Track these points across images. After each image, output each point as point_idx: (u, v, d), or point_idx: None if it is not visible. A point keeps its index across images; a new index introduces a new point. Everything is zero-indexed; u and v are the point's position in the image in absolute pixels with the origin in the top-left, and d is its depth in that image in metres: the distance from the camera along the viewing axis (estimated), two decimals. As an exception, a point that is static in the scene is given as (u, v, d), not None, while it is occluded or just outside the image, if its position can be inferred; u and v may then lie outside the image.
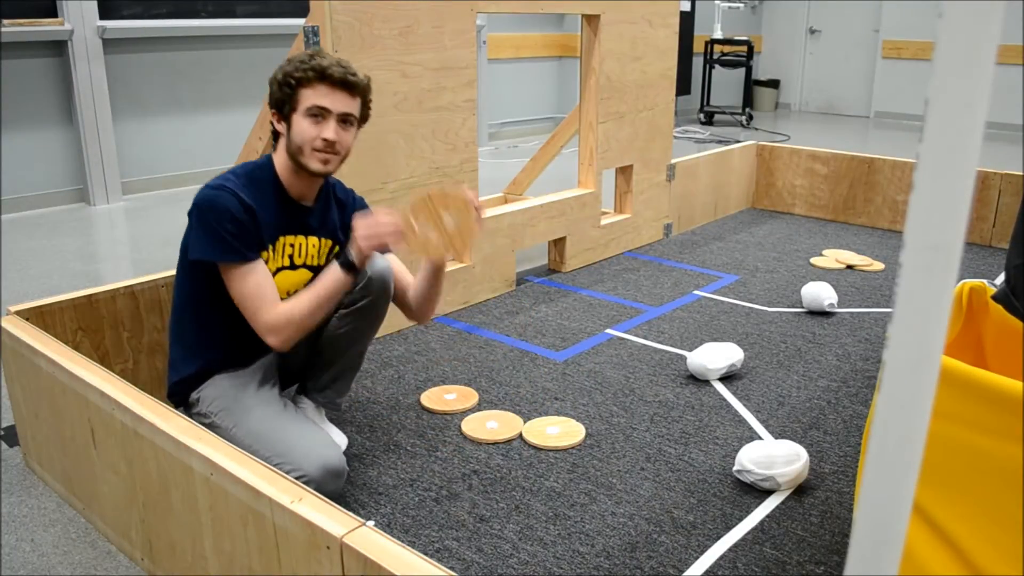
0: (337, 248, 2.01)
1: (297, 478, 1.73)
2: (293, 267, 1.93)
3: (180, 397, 1.94)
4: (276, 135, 1.90)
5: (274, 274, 1.88)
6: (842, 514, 1.88)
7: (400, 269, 2.08)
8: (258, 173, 1.88)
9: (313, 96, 1.81)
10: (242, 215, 1.78)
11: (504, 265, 3.31)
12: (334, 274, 1.81)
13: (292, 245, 1.93)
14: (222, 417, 1.87)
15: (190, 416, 1.90)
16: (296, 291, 1.91)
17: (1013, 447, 1.17)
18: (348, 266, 1.80)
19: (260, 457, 1.71)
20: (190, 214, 1.81)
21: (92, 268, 3.73)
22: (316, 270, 1.96)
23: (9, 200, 4.67)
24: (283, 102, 1.83)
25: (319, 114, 1.81)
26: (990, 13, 0.47)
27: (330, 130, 1.82)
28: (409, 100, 2.75)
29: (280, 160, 1.89)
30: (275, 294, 1.82)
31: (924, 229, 0.50)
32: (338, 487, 1.81)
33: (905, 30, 9.02)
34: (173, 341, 1.96)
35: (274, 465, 1.71)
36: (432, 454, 2.12)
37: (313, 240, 1.96)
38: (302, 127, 1.82)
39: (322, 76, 1.81)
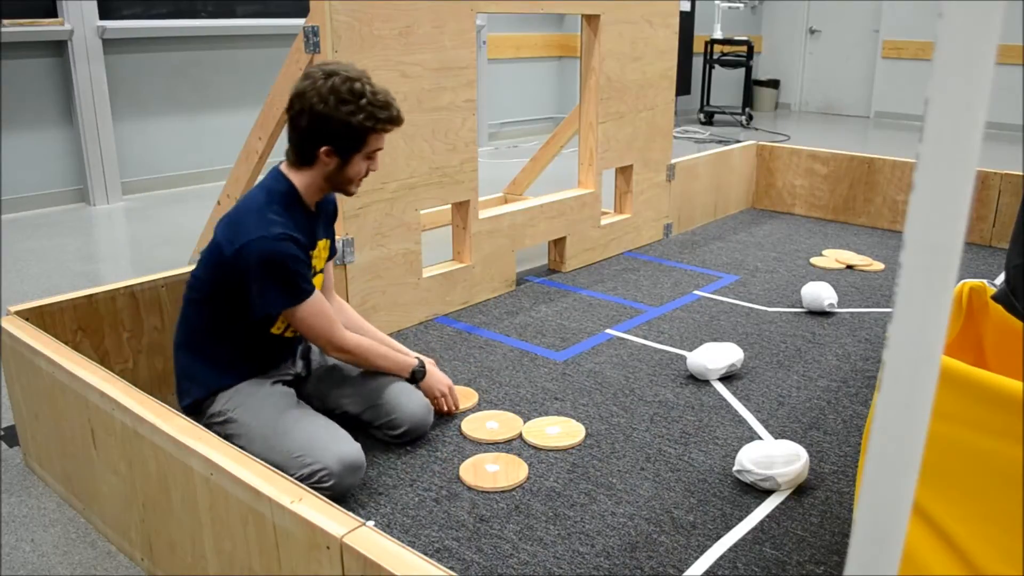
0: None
1: (317, 471, 1.79)
2: (315, 273, 2.00)
3: (199, 405, 1.97)
4: (307, 160, 1.87)
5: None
6: (842, 514, 1.88)
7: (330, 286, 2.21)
8: (287, 198, 1.88)
9: (378, 140, 1.87)
10: (303, 256, 1.85)
11: (504, 265, 3.31)
12: (404, 369, 2.13)
13: (316, 252, 2.00)
14: (240, 412, 1.89)
15: (201, 419, 1.92)
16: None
17: (1013, 447, 1.17)
18: (414, 379, 2.15)
19: (280, 450, 1.79)
20: (253, 266, 1.78)
21: (92, 268, 3.73)
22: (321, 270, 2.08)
23: (9, 200, 4.67)
24: (351, 145, 1.84)
25: (374, 155, 1.89)
26: (990, 13, 0.47)
27: (377, 163, 1.92)
28: (409, 100, 2.75)
29: (302, 179, 1.90)
30: (332, 311, 1.96)
31: (924, 229, 0.50)
32: (356, 481, 1.86)
33: (905, 30, 9.02)
34: (197, 361, 1.95)
35: (294, 458, 1.79)
36: (432, 454, 2.12)
37: (323, 243, 2.04)
38: (360, 166, 1.89)
39: (395, 123, 1.87)
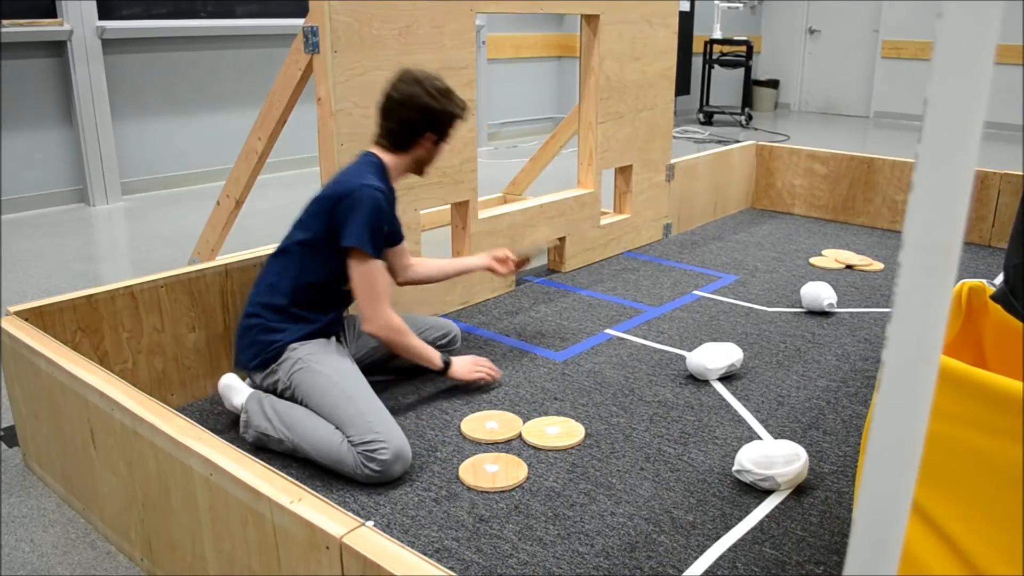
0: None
1: (378, 440, 1.94)
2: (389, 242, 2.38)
3: (274, 354, 2.16)
4: (407, 144, 2.25)
5: None
6: (842, 514, 1.88)
7: (403, 250, 2.50)
8: (380, 170, 2.24)
9: (455, 130, 2.31)
10: (387, 220, 2.20)
11: (504, 265, 3.31)
12: (433, 362, 2.33)
13: None
14: (323, 364, 2.09)
15: (268, 372, 2.15)
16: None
17: (1013, 447, 1.17)
18: (443, 370, 2.36)
19: (354, 406, 2.00)
20: (351, 204, 2.10)
21: (92, 268, 3.73)
22: None
23: (9, 200, 4.67)
24: (446, 130, 2.27)
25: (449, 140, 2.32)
26: (990, 13, 0.47)
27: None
28: (409, 100, 2.75)
29: (393, 160, 2.26)
30: (388, 292, 2.21)
31: (923, 229, 0.50)
32: (400, 471, 1.98)
33: (905, 30, 9.02)
34: (286, 319, 2.17)
35: (364, 420, 1.96)
36: (432, 454, 2.12)
37: None
38: (443, 151, 2.33)
39: (466, 109, 2.31)
